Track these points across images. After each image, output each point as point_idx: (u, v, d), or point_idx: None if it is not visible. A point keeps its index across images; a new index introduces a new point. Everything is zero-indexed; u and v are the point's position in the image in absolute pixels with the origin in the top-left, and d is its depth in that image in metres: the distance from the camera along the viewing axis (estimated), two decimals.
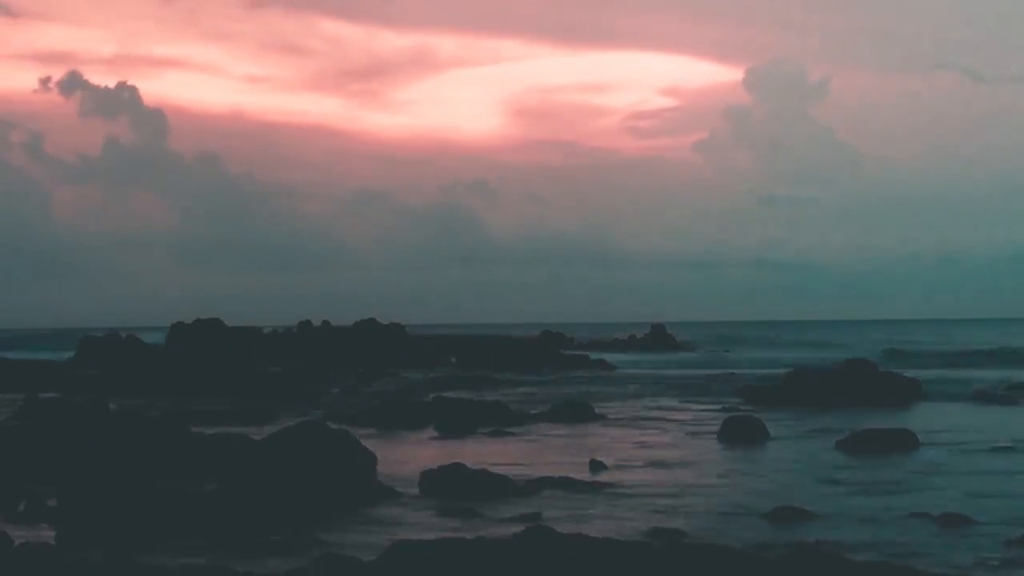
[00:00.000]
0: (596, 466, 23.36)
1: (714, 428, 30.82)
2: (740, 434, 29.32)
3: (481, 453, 25.46)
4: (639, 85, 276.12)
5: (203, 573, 13.26)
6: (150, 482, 19.34)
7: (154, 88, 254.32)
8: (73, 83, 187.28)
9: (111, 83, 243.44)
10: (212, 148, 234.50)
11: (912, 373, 47.32)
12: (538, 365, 63.65)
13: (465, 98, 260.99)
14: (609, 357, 72.54)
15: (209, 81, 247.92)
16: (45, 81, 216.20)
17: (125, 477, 19.60)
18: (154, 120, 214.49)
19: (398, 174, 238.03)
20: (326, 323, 72.89)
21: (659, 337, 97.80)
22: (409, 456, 24.59)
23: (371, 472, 21.38)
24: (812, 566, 12.81)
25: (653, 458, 25.33)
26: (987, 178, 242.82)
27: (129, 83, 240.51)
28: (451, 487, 20.20)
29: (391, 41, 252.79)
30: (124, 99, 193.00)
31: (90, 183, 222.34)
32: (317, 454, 22.61)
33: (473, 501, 18.84)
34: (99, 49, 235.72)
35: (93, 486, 19.24)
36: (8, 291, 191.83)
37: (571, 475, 21.98)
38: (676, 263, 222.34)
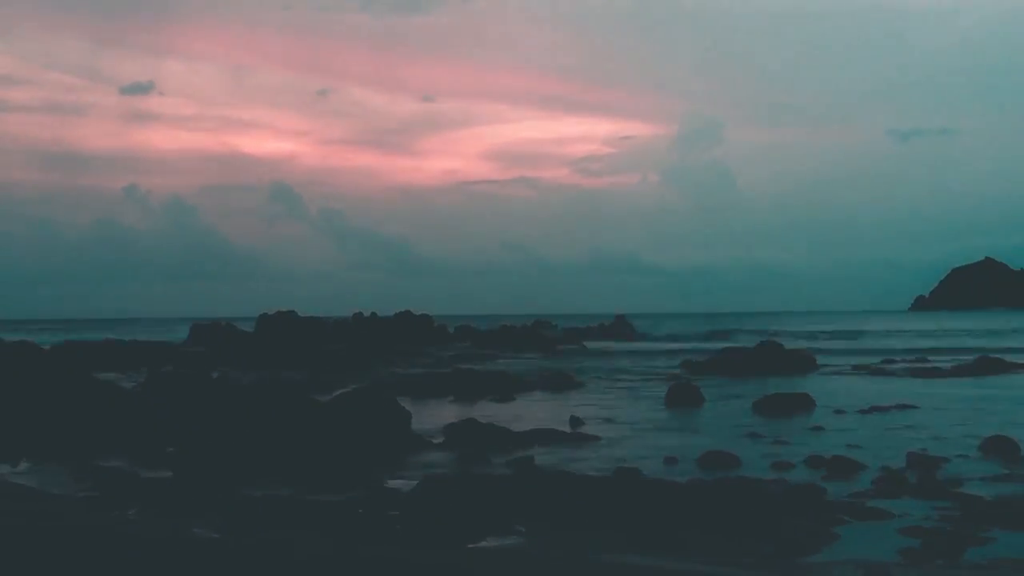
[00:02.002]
0: (575, 422, 23.37)
1: (662, 391, 30.91)
2: (681, 396, 29.38)
3: (489, 412, 25.52)
4: (590, 139, 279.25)
5: (284, 502, 13.28)
6: (241, 433, 19.38)
7: (239, 141, 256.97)
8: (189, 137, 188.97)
9: (208, 139, 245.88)
10: (287, 182, 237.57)
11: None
12: (532, 346, 63.66)
13: (465, 148, 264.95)
14: (584, 339, 72.75)
15: (280, 134, 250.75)
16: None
17: (223, 430, 19.63)
18: (239, 162, 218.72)
19: (415, 203, 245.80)
20: (373, 314, 72.72)
21: (621, 325, 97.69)
22: (435, 414, 24.64)
23: (407, 426, 21.38)
24: (730, 496, 12.84)
25: (616, 413, 25.39)
26: (850, 206, 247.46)
27: (215, 135, 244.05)
28: (467, 437, 20.24)
29: (410, 106, 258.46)
30: (212, 146, 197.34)
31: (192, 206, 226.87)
32: (366, 412, 22.64)
33: (483, 448, 18.89)
34: (189, 111, 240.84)
35: (200, 437, 19.31)
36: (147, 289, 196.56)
37: (556, 428, 22.00)
38: (622, 267, 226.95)
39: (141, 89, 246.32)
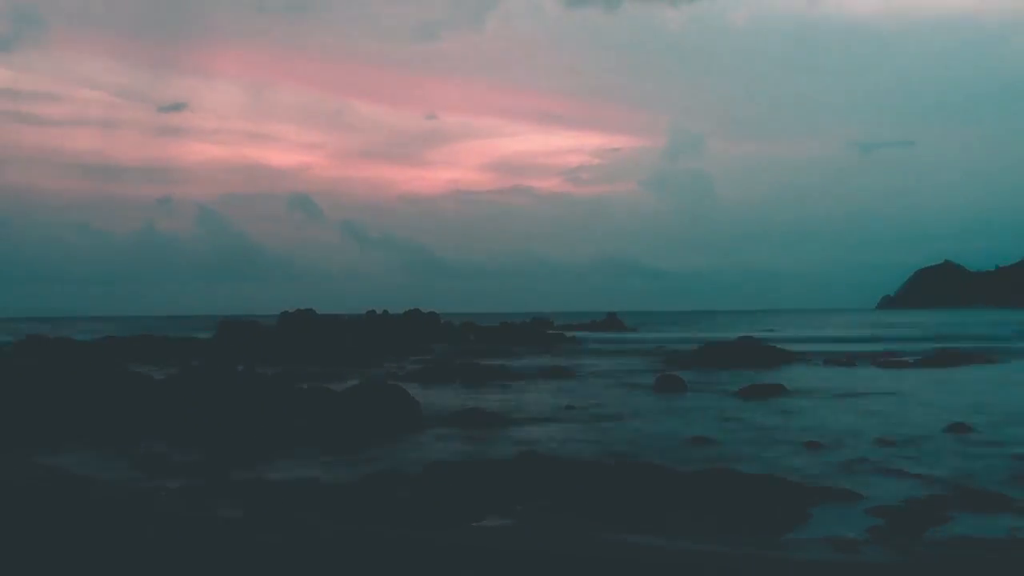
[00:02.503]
0: (570, 409, 23.32)
1: (650, 381, 30.84)
2: (668, 385, 29.35)
3: (491, 400, 25.47)
4: (581, 151, 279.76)
5: (303, 484, 13.24)
6: (265, 418, 19.35)
7: (262, 153, 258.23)
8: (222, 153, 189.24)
9: (235, 152, 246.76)
10: (305, 191, 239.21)
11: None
12: (531, 341, 63.60)
13: (468, 159, 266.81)
14: (578, 335, 72.64)
15: (299, 148, 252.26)
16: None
17: (247, 418, 19.60)
18: (264, 172, 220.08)
19: (423, 209, 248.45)
20: (385, 311, 72.60)
21: (612, 322, 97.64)
22: (442, 402, 24.58)
23: (417, 413, 21.35)
24: (713, 478, 12.80)
25: (609, 402, 25.31)
26: (820, 212, 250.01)
27: (241, 148, 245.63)
28: (470, 424, 20.20)
29: (419, 121, 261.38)
30: (238, 158, 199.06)
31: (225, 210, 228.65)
32: (379, 401, 22.61)
33: (486, 432, 18.86)
34: (218, 126, 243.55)
35: (226, 424, 19.28)
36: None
37: (552, 415, 21.96)
38: (612, 268, 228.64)
39: (176, 107, 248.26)
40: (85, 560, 8.46)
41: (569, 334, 72.67)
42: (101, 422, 19.89)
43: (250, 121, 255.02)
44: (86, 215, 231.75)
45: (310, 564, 8.48)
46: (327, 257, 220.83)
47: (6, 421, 19.40)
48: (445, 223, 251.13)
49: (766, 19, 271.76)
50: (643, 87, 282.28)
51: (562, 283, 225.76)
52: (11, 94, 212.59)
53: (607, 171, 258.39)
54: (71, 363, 28.76)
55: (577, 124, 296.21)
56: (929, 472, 14.02)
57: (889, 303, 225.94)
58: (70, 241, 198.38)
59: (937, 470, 14.24)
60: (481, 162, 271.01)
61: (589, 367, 40.34)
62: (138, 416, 20.58)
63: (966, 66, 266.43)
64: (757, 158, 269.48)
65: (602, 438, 18.35)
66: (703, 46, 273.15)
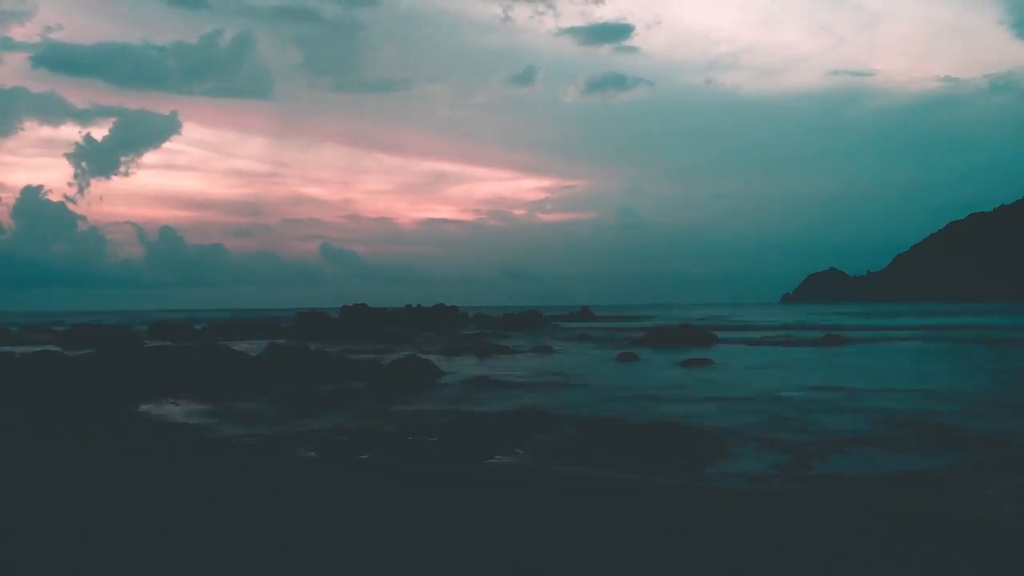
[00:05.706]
0: (555, 373, 23.19)
1: (612, 355, 30.76)
2: (626, 357, 29.27)
3: (497, 368, 25.36)
4: (542, 189, 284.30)
5: (359, 431, 13.13)
6: (326, 383, 19.21)
7: (316, 191, 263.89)
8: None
9: (292, 190, 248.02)
10: (350, 217, 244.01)
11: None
12: (525, 327, 63.42)
13: (466, 195, 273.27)
14: (562, 324, 72.37)
15: (344, 187, 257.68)
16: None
17: (317, 382, 19.48)
18: (315, 204, 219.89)
19: (433, 235, 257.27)
20: (419, 305, 72.38)
21: (585, 313, 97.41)
22: (460, 370, 24.49)
23: (441, 378, 21.25)
24: (655, 428, 12.67)
25: (582, 370, 25.14)
26: (725, 233, 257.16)
27: (301, 189, 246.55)
28: (481, 385, 20.09)
29: (432, 170, 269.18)
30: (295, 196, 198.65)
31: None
32: (413, 369, 22.49)
33: (493, 391, 18.76)
34: (288, 182, 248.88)
35: (302, 383, 19.16)
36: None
37: (542, 379, 21.85)
38: (570, 272, 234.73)
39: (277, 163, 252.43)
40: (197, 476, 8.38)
41: (555, 321, 72.40)
42: (208, 385, 19.78)
43: (313, 169, 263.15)
44: (225, 235, 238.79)
45: (368, 491, 8.41)
46: (368, 264, 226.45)
47: (131, 383, 19.31)
48: (452, 240, 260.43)
49: (682, 102, 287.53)
50: (590, 144, 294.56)
51: (538, 283, 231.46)
52: (179, 154, 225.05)
53: (563, 203, 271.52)
54: (189, 341, 28.56)
55: (543, 171, 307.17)
56: (821, 422, 13.91)
57: (788, 299, 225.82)
58: (234, 261, 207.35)
59: (827, 422, 14.11)
60: (475, 197, 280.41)
61: (568, 345, 40.22)
62: (235, 381, 20.47)
63: (817, 126, 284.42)
64: (672, 195, 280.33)
65: (578, 396, 18.23)
66: (638, 119, 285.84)
